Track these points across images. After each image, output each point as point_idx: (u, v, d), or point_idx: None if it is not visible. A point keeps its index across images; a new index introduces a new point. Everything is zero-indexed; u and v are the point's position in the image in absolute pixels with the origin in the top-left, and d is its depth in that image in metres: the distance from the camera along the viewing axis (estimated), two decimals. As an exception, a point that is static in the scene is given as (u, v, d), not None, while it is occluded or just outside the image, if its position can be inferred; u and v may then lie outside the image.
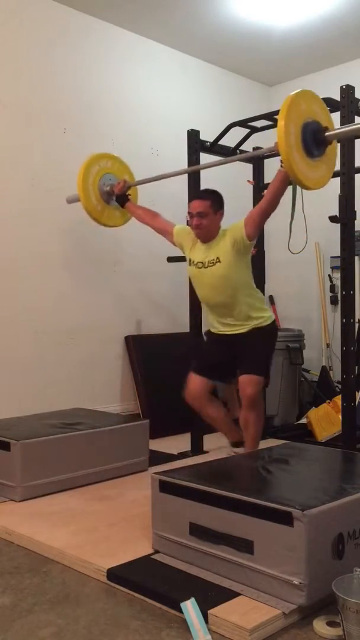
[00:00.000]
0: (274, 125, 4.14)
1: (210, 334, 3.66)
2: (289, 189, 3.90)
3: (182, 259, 4.18)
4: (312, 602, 1.97)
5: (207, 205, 3.40)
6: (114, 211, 4.05)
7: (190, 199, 3.59)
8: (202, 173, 4.21)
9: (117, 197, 3.96)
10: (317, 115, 2.88)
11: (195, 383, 3.56)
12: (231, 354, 3.48)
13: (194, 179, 4.19)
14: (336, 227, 3.58)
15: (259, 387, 3.41)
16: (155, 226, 3.83)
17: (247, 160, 4.59)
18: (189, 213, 3.49)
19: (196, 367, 3.60)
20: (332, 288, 5.41)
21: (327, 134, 2.85)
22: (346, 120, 3.50)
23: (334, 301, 5.38)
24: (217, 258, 3.39)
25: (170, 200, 4.97)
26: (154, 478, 2.44)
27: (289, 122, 2.74)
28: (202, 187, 4.19)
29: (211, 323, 3.61)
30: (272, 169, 4.74)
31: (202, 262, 3.46)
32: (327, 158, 2.91)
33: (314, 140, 2.81)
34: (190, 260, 3.57)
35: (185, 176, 4.22)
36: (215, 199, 3.45)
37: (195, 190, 4.16)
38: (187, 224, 3.57)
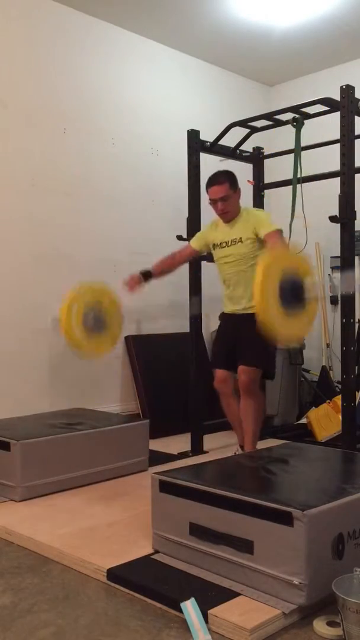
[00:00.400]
0: (274, 125, 4.17)
1: (223, 315, 3.78)
2: (290, 188, 3.92)
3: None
4: (312, 602, 1.97)
5: (226, 188, 3.50)
6: (102, 338, 3.73)
7: (207, 186, 3.63)
8: (202, 173, 4.20)
9: (144, 279, 3.79)
10: (296, 271, 2.74)
11: (219, 372, 3.68)
12: (237, 339, 3.55)
13: (194, 178, 4.18)
14: (336, 227, 3.57)
15: (254, 375, 3.49)
16: (181, 260, 3.86)
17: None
18: (211, 200, 3.57)
19: (212, 362, 3.79)
20: (332, 288, 5.41)
21: (305, 292, 2.72)
22: (346, 120, 3.50)
23: (334, 301, 5.38)
24: (240, 238, 3.52)
25: (171, 199, 4.99)
26: (154, 478, 2.44)
27: (265, 284, 2.60)
28: (202, 186, 4.19)
29: (225, 303, 3.73)
30: (272, 169, 4.76)
31: (225, 242, 3.59)
32: (307, 312, 2.80)
33: (293, 297, 2.68)
34: (214, 246, 3.67)
35: (185, 175, 4.21)
36: (231, 179, 3.55)
37: (195, 190, 4.16)
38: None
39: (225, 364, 3.64)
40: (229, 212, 3.55)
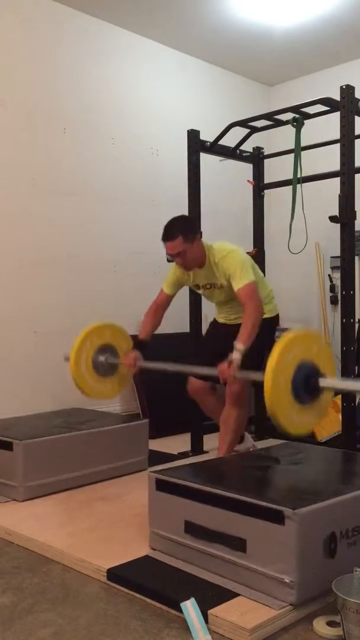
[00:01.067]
0: (274, 125, 4.17)
1: (215, 322, 3.69)
2: (290, 188, 3.92)
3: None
4: (303, 601, 1.97)
5: (180, 243, 3.21)
6: (111, 381, 3.64)
7: (162, 238, 3.28)
8: (202, 173, 4.21)
9: (142, 350, 3.55)
10: (315, 357, 2.52)
11: (193, 380, 3.59)
12: (226, 347, 3.32)
13: (194, 178, 4.18)
14: (336, 227, 3.58)
15: (244, 387, 3.37)
16: (164, 309, 3.61)
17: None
18: (167, 254, 3.35)
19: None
20: (332, 288, 5.41)
21: (321, 383, 2.47)
22: (346, 120, 3.50)
23: (334, 301, 5.39)
24: (220, 284, 3.33)
25: (170, 199, 4.98)
26: (151, 477, 2.45)
27: (279, 371, 2.39)
28: (202, 186, 4.20)
29: (216, 313, 3.66)
30: (272, 169, 4.76)
31: (209, 284, 3.42)
32: (318, 405, 2.55)
33: (306, 386, 2.46)
34: (196, 286, 3.52)
35: (185, 175, 4.22)
36: (184, 230, 3.22)
37: (195, 190, 4.16)
38: (169, 261, 3.46)
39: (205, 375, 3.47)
40: (189, 265, 3.31)
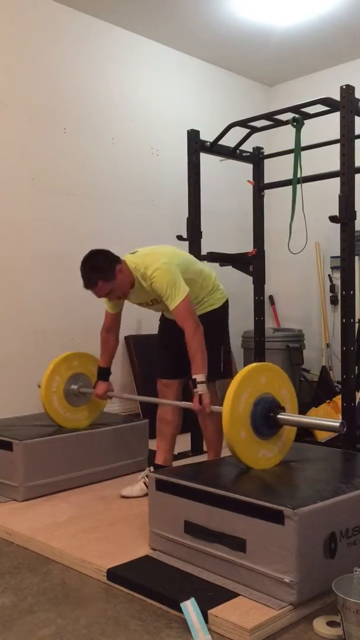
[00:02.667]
0: (274, 125, 4.17)
1: (164, 317, 3.49)
2: (290, 188, 3.92)
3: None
4: (303, 600, 1.97)
5: (101, 287, 3.04)
6: (83, 410, 3.63)
7: (84, 286, 3.11)
8: (202, 173, 4.22)
9: (107, 378, 3.55)
10: (276, 391, 2.56)
11: (164, 381, 3.43)
12: (183, 347, 3.19)
13: (193, 178, 4.19)
14: (336, 227, 3.58)
15: (209, 387, 3.13)
16: (114, 330, 3.47)
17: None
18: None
19: (159, 372, 3.48)
20: (332, 288, 5.41)
21: (279, 416, 2.50)
22: (346, 120, 3.50)
23: (334, 301, 5.39)
24: (156, 299, 3.17)
25: (171, 199, 4.99)
26: (151, 476, 2.46)
27: (238, 395, 2.43)
28: (202, 186, 4.20)
29: (166, 313, 3.42)
30: (272, 169, 4.76)
31: (148, 301, 3.25)
32: (279, 439, 2.58)
33: (265, 420, 2.50)
34: (139, 304, 3.35)
35: (185, 175, 4.22)
36: (100, 274, 3.03)
37: (195, 190, 4.17)
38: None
39: (172, 373, 3.36)
40: (123, 295, 3.16)
